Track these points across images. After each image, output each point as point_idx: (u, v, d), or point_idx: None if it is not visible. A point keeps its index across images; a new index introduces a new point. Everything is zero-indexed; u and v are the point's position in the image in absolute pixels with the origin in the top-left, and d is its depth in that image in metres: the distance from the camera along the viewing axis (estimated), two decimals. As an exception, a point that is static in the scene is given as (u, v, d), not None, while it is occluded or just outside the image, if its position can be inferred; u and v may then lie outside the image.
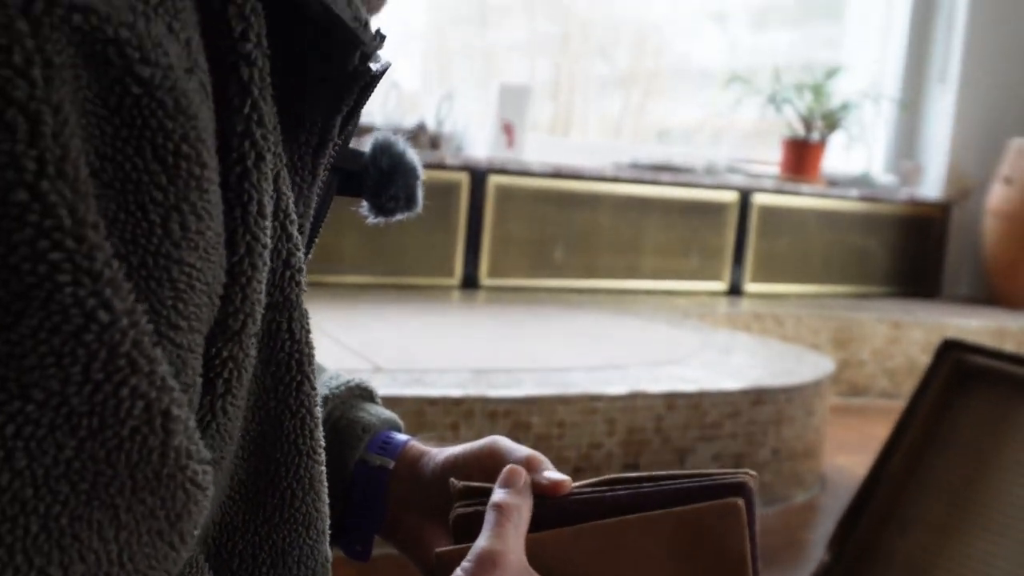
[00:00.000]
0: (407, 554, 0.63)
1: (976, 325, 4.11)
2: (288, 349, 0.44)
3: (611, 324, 3.24)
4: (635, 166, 4.09)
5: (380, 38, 0.45)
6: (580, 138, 4.84)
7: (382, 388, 2.14)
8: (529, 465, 0.55)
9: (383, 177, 0.56)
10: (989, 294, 4.77)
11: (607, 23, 4.91)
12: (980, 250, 4.78)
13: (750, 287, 4.36)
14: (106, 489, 0.32)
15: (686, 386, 2.39)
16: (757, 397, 2.49)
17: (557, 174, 3.82)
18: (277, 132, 0.40)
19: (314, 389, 0.46)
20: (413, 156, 0.57)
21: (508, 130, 3.73)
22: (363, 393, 0.69)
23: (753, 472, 0.57)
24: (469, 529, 0.52)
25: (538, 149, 3.95)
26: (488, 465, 0.58)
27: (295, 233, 0.43)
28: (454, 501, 0.55)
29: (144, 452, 0.32)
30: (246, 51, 0.36)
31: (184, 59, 0.33)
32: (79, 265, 0.30)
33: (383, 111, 3.77)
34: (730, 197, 4.24)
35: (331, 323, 2.64)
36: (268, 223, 0.39)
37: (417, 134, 3.66)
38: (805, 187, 4.42)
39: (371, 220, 0.58)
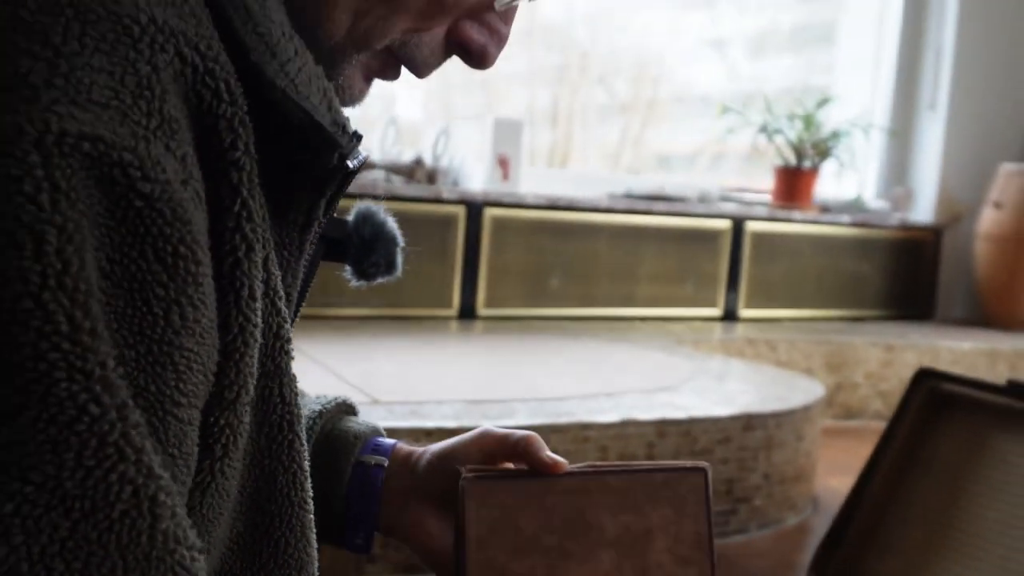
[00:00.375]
0: (407, 542, 0.69)
1: (968, 347, 4.15)
2: (280, 412, 0.48)
3: (606, 352, 3.29)
4: (630, 196, 4.15)
5: (356, 138, 0.50)
6: (580, 166, 4.91)
7: (379, 421, 2.18)
8: (529, 443, 0.63)
9: (365, 245, 0.61)
10: (982, 316, 4.82)
11: (606, 53, 4.99)
12: (972, 273, 4.84)
13: (744, 312, 4.41)
14: (98, 569, 0.35)
15: (677, 413, 2.43)
16: (747, 423, 2.54)
17: (552, 206, 3.88)
18: (265, 222, 0.45)
19: (303, 445, 0.51)
20: (393, 225, 0.63)
21: (503, 163, 3.79)
22: (348, 409, 0.78)
23: (707, 464, 0.64)
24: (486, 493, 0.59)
25: (534, 181, 4.01)
26: (486, 447, 0.65)
27: (283, 308, 0.48)
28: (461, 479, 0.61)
29: (133, 534, 0.36)
30: (235, 158, 0.41)
31: (180, 172, 0.38)
32: (73, 364, 0.34)
33: (381, 147, 3.84)
34: (723, 225, 4.30)
35: (331, 356, 2.69)
36: (259, 304, 0.44)
37: (414, 169, 3.73)
38: (797, 214, 4.48)
39: (353, 284, 0.64)
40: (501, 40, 0.54)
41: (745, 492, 2.56)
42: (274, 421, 0.48)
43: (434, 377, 2.55)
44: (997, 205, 4.62)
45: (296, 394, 0.50)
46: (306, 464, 0.52)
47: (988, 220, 4.66)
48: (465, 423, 2.15)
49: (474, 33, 0.53)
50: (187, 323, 0.38)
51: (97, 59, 0.36)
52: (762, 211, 4.42)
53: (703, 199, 4.33)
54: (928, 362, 4.14)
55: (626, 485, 0.61)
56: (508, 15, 0.54)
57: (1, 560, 0.33)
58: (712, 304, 4.34)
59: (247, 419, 0.44)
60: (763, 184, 4.71)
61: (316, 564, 0.54)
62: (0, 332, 0.33)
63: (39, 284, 0.34)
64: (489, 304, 3.80)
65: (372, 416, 2.27)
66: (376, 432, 0.72)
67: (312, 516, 0.53)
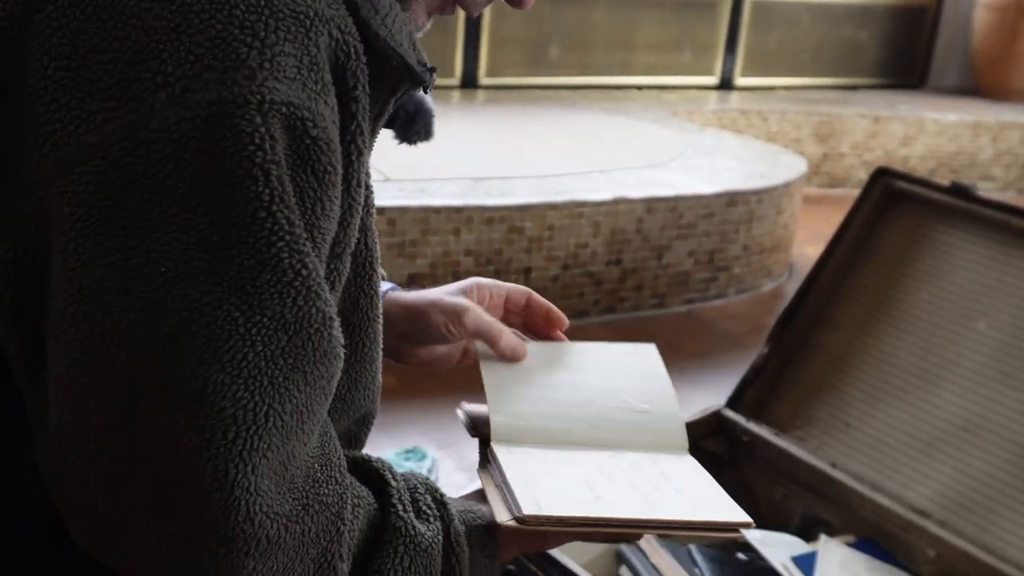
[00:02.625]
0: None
1: (954, 119, 4.29)
2: (364, 255, 0.67)
3: (602, 124, 3.43)
4: (631, -38, 4.15)
5: (433, 70, 0.66)
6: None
7: (391, 199, 2.39)
8: (493, 338, 0.80)
9: (409, 118, 0.77)
10: (974, 85, 4.91)
11: None
12: (969, 41, 4.88)
13: (740, 81, 4.50)
14: (302, 362, 0.55)
15: (665, 191, 2.63)
16: (730, 199, 2.74)
17: (553, -27, 3.90)
18: (368, 130, 0.62)
19: (379, 278, 0.70)
20: (430, 101, 0.79)
21: (505, -70, 3.78)
22: None
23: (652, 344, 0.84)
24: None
25: (535, -53, 4.00)
26: (452, 330, 0.81)
27: (371, 184, 0.66)
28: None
29: (320, 340, 0.55)
30: (355, 95, 0.58)
31: (331, 116, 0.56)
32: (292, 247, 0.53)
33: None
34: (724, -8, 4.32)
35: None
36: (362, 189, 0.61)
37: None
38: (799, -20, 4.48)
39: (397, 144, 0.81)
40: None
41: (725, 262, 2.80)
42: (360, 261, 0.67)
43: (440, 153, 2.71)
44: (1000, -27, 4.60)
45: (376, 243, 0.69)
46: (380, 290, 0.71)
47: (990, -12, 4.66)
48: (470, 201, 2.35)
49: None
50: (325, 211, 0.57)
51: (288, 46, 0.54)
52: (763, -22, 4.42)
53: (705, -35, 4.32)
54: (913, 133, 4.29)
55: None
56: None
57: (250, 361, 0.53)
58: (709, 72, 4.42)
59: (348, 263, 0.63)
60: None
61: (381, 359, 0.75)
62: (246, 231, 0.52)
63: (268, 201, 0.53)
64: (490, 73, 3.89)
65: (384, 193, 2.46)
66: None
67: (381, 326, 0.73)
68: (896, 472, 1.50)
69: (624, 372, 0.83)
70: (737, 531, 0.70)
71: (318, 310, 0.55)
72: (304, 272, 0.54)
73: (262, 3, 0.54)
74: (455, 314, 0.80)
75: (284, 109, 0.53)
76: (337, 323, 0.57)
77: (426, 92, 0.68)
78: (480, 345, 0.81)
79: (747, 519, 0.70)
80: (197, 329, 0.52)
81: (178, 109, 0.52)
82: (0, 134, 0.55)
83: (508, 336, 0.81)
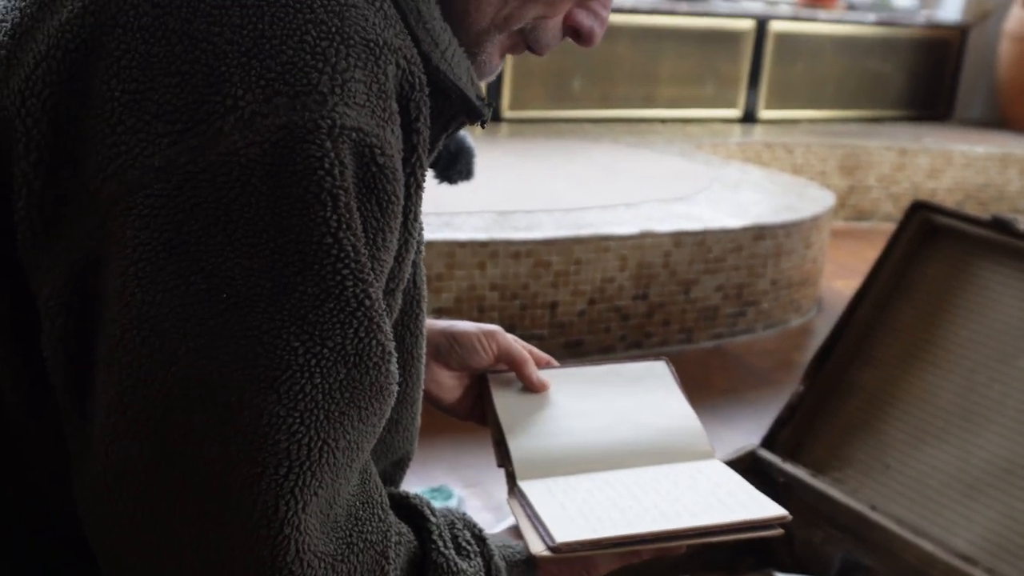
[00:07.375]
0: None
1: (982, 151, 4.24)
2: (413, 294, 0.67)
3: (626, 158, 3.41)
4: (653, -4, 4.15)
5: (490, 105, 0.65)
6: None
7: (416, 233, 2.33)
8: (523, 364, 0.81)
9: (451, 158, 0.77)
10: (1000, 117, 4.87)
11: None
12: (994, 73, 4.85)
13: (764, 114, 4.48)
14: (358, 397, 0.53)
15: (692, 224, 2.60)
16: (758, 233, 2.70)
17: (576, 7, 3.90)
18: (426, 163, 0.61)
19: (425, 316, 0.69)
20: (471, 141, 0.78)
21: (528, -36, 3.78)
22: None
23: (665, 357, 0.83)
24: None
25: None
26: (485, 343, 0.82)
27: (421, 222, 0.65)
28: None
29: (378, 375, 0.54)
30: (417, 127, 0.57)
31: (396, 146, 0.55)
32: (356, 276, 0.52)
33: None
34: (746, 25, 4.30)
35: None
36: (419, 223, 0.61)
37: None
38: (822, 13, 4.46)
39: (437, 184, 0.80)
40: (604, 23, 0.68)
41: (753, 296, 2.76)
42: (408, 300, 0.67)
43: (465, 187, 2.70)
44: (1026, 4, 4.57)
45: (424, 281, 0.69)
46: (424, 330, 0.70)
47: (1016, 19, 4.62)
48: (495, 235, 2.33)
49: (585, 19, 0.67)
50: (386, 242, 0.56)
51: (358, 73, 0.53)
52: (786, 10, 4.41)
53: (728, -2, 4.32)
54: (940, 166, 4.24)
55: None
56: (608, 1, 0.67)
57: (307, 393, 0.51)
58: (732, 105, 4.41)
59: (400, 300, 0.62)
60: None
61: (421, 399, 0.73)
62: (311, 258, 0.51)
63: (336, 227, 0.51)
64: (514, 107, 3.89)
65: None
66: None
67: (424, 366, 0.72)
68: (939, 516, 1.45)
69: (637, 392, 0.83)
70: (775, 528, 0.70)
71: (379, 343, 0.54)
72: (367, 303, 0.53)
73: (333, 30, 0.53)
74: (489, 331, 0.82)
75: (354, 135, 0.52)
76: (395, 358, 0.56)
77: (483, 127, 0.66)
78: (493, 382, 0.82)
79: (783, 512, 0.70)
80: (255, 358, 0.51)
81: (247, 133, 0.51)
82: (66, 158, 0.54)
83: (532, 363, 0.82)
